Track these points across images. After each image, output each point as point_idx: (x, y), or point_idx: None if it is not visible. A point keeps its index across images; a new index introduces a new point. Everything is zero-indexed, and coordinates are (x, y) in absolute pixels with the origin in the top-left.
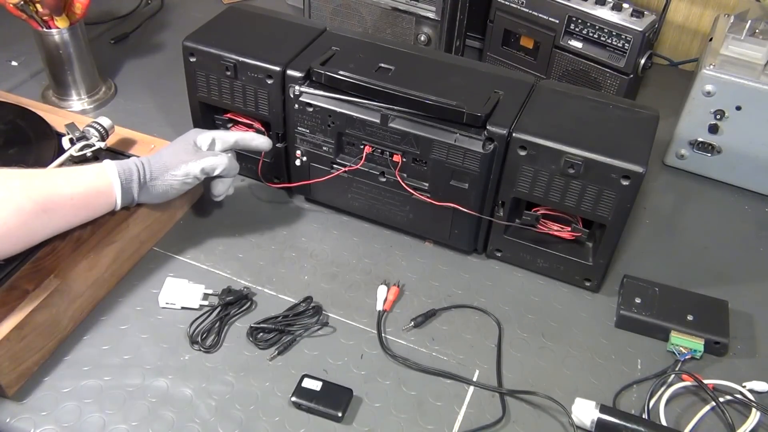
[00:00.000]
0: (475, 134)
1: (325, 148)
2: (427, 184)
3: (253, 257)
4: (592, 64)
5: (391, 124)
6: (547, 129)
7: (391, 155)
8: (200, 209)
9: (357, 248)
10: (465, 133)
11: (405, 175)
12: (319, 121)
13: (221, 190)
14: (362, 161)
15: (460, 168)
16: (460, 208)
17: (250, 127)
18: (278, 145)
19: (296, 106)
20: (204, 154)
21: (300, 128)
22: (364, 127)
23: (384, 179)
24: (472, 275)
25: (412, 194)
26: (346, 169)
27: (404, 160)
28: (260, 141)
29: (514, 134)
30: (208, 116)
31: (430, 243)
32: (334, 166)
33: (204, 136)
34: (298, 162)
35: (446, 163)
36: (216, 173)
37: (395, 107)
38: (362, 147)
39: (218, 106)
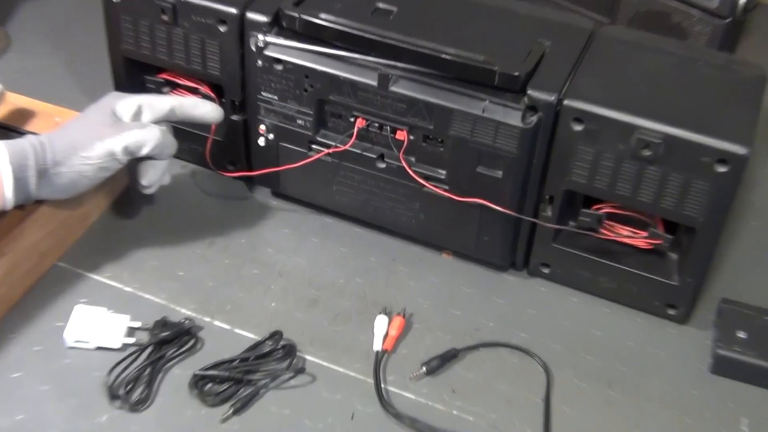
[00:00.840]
0: (511, 102)
1: (300, 122)
2: (444, 172)
3: (198, 276)
4: (675, 3)
5: (394, 88)
6: (612, 94)
7: (394, 131)
8: (124, 208)
9: (346, 263)
10: (497, 99)
11: (413, 159)
12: (291, 83)
13: (152, 178)
14: (353, 140)
15: (491, 149)
16: (491, 206)
17: (194, 92)
18: (234, 117)
19: (260, 62)
20: (127, 126)
21: (265, 94)
22: (355, 92)
23: (383, 165)
24: (509, 301)
25: (424, 186)
26: (330, 150)
27: (412, 138)
28: (206, 109)
29: (565, 102)
30: (135, 77)
31: (449, 255)
32: (313, 146)
33: (126, 103)
34: (261, 141)
35: (471, 143)
36: (144, 153)
37: (399, 64)
38: (352, 120)
39: (150, 64)
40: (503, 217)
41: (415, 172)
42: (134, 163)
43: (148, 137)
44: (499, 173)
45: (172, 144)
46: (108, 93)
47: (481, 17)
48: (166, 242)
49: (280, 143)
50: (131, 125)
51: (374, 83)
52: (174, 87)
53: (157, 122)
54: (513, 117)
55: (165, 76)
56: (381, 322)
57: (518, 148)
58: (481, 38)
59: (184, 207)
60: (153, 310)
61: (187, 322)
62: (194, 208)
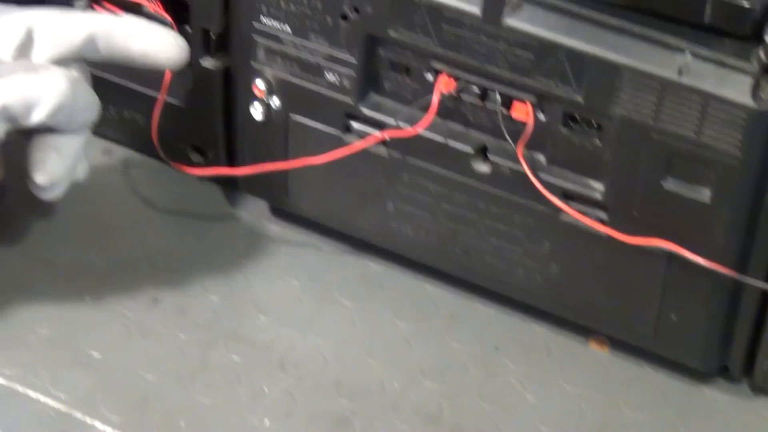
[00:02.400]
0: (733, 57)
1: (331, 78)
2: (600, 187)
3: (128, 362)
4: None
5: (512, 20)
6: None
7: (508, 104)
8: None
9: (405, 349)
10: (707, 51)
11: (543, 158)
12: (319, 1)
13: (55, 169)
14: (430, 116)
15: (692, 147)
16: (687, 256)
17: (134, 11)
18: (207, 62)
19: None
20: (6, 68)
21: (267, 20)
22: (437, 26)
23: (485, 168)
24: None
25: (561, 211)
26: (387, 135)
27: (542, 118)
28: (156, 43)
29: None
30: None
31: (603, 346)
32: (355, 125)
33: (6, 24)
34: (257, 111)
35: (655, 133)
36: (38, 120)
37: None
38: (430, 79)
39: None
40: (709, 279)
41: (545, 183)
42: (21, 140)
43: (45, 90)
44: (707, 194)
45: (89, 105)
46: None
47: None
48: (71, 295)
49: (292, 116)
50: (14, 67)
51: (476, 9)
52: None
53: (62, 63)
54: (737, 86)
55: None
56: None
57: (745, 147)
58: None
59: (107, 227)
60: (42, 420)
61: None
62: (126, 230)
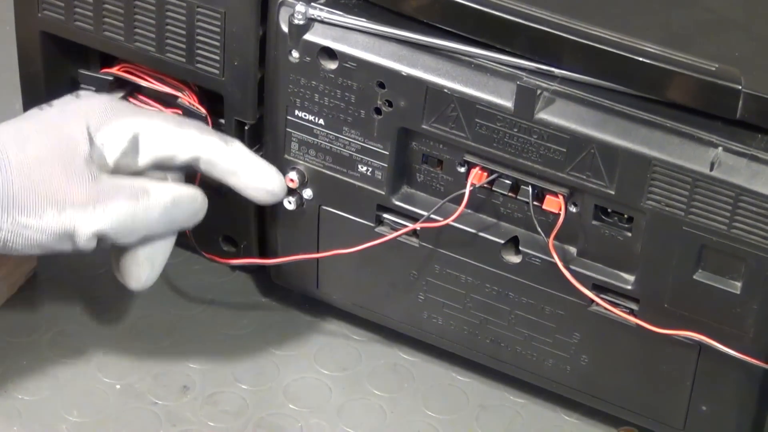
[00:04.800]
0: (765, 151)
1: (364, 169)
2: (631, 279)
3: None
4: None
5: (544, 114)
6: None
7: (540, 197)
8: (24, 312)
9: None
10: (739, 146)
11: (574, 250)
12: (353, 96)
13: (150, 279)
14: (461, 208)
15: (724, 239)
16: (718, 347)
17: (168, 104)
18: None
19: (295, 55)
20: (111, 190)
21: (302, 114)
22: (470, 120)
23: (517, 259)
24: None
25: (592, 302)
26: (419, 226)
27: (573, 210)
28: (253, 182)
29: None
30: (61, 70)
31: None
32: (386, 217)
33: (118, 129)
34: (290, 202)
35: (686, 226)
36: (129, 243)
37: (556, 71)
38: (462, 171)
39: (89, 47)
40: (740, 370)
41: (576, 275)
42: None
43: (141, 220)
44: (737, 286)
45: (188, 221)
46: (82, 94)
47: None
48: (101, 383)
49: (324, 207)
50: (115, 190)
51: (509, 104)
52: (132, 92)
53: (160, 167)
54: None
55: (116, 70)
56: None
57: None
58: (708, 30)
59: (137, 316)
60: None
61: None
62: (157, 319)
